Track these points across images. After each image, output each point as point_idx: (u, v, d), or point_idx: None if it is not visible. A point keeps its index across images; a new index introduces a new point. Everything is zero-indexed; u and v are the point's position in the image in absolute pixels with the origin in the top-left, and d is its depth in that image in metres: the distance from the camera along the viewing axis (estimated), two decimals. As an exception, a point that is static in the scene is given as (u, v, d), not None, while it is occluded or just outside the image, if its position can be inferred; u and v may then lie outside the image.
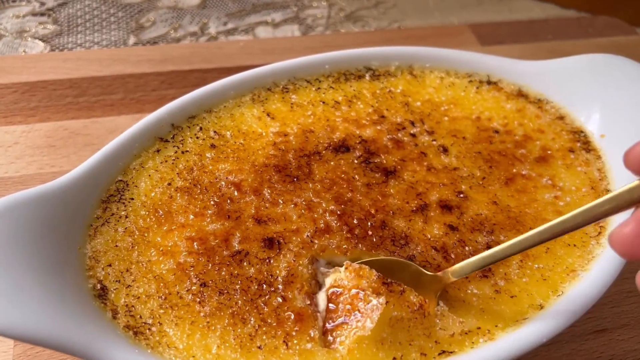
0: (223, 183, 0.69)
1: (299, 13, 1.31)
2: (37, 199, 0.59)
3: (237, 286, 0.60)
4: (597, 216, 0.51)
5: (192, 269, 0.61)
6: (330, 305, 0.60)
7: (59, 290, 0.55)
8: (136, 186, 0.68)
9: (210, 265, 0.62)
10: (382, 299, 0.58)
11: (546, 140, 0.78)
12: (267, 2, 1.32)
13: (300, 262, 0.63)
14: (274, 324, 0.58)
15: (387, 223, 0.67)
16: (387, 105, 0.82)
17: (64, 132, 0.93)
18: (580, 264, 0.64)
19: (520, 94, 0.84)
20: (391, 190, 0.70)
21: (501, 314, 0.60)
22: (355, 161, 0.73)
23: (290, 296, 0.60)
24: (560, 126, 0.80)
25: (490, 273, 0.63)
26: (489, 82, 0.85)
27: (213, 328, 0.57)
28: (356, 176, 0.72)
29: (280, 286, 0.61)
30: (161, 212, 0.66)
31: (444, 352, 0.57)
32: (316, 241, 0.65)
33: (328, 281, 0.62)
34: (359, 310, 0.58)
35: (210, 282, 0.61)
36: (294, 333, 0.57)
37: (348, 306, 0.59)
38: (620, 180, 0.72)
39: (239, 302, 0.59)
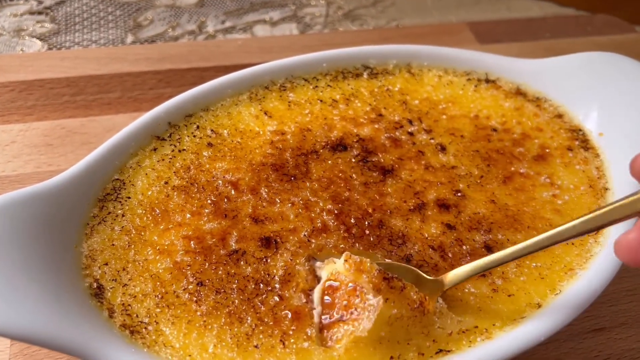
0: (220, 182, 0.69)
1: (297, 11, 1.31)
2: (33, 197, 0.59)
3: (234, 285, 0.60)
4: (599, 226, 0.51)
5: (188, 268, 0.61)
6: (326, 298, 0.59)
7: (55, 289, 0.55)
8: (133, 185, 0.68)
9: (207, 264, 0.62)
10: (379, 299, 0.57)
11: (544, 139, 0.78)
12: (265, 1, 1.32)
13: (297, 261, 0.62)
14: (271, 323, 0.58)
15: (384, 222, 0.67)
16: (385, 103, 0.81)
17: (61, 130, 0.93)
18: (578, 263, 0.64)
19: (519, 93, 0.84)
20: (389, 189, 0.70)
21: (499, 312, 0.60)
22: (353, 160, 0.73)
23: (287, 295, 0.60)
24: (558, 124, 0.80)
25: (487, 272, 0.63)
26: (487, 81, 0.85)
27: (210, 327, 0.57)
28: (353, 175, 0.71)
29: (277, 285, 0.60)
30: (158, 210, 0.66)
31: (441, 350, 0.57)
32: (313, 240, 0.64)
33: (324, 274, 0.61)
34: (356, 308, 0.58)
35: (207, 281, 0.60)
36: (290, 332, 0.57)
37: (345, 302, 0.58)
38: (619, 179, 0.71)
39: (236, 301, 0.59)
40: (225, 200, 0.67)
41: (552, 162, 0.75)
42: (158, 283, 0.60)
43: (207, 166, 0.71)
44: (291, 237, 0.64)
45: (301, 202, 0.68)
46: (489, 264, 0.58)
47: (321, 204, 0.68)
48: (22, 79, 1.00)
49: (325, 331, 0.58)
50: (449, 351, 0.57)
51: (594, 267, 0.62)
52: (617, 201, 0.51)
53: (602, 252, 0.63)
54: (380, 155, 0.74)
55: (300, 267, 0.62)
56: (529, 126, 0.79)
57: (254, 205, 0.67)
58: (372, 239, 0.65)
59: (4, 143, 0.90)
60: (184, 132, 0.74)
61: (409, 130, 0.78)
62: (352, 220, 0.66)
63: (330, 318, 0.59)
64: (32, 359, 0.66)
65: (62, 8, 1.24)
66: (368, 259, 0.59)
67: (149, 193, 0.68)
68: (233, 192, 0.68)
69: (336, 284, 0.60)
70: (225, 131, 0.75)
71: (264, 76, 0.81)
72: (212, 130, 0.75)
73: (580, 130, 0.79)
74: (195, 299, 0.59)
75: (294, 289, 0.60)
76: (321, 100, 0.80)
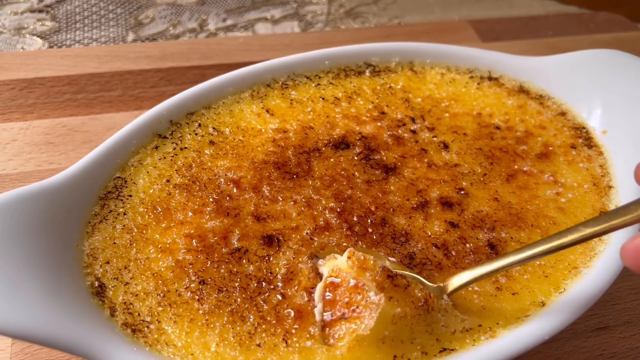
0: (222, 180, 0.69)
1: (299, 9, 1.30)
2: (35, 196, 0.59)
3: (236, 284, 0.60)
4: (605, 232, 0.51)
5: (190, 266, 0.61)
6: (327, 294, 0.58)
7: (57, 288, 0.55)
8: (134, 183, 0.68)
9: (209, 262, 0.61)
10: (381, 296, 0.56)
11: (548, 137, 0.78)
12: (266, -1, 1.32)
13: (300, 259, 0.62)
14: (274, 322, 0.57)
15: (387, 220, 0.66)
16: (388, 101, 0.81)
17: (62, 129, 0.92)
18: (582, 261, 0.63)
19: (522, 90, 0.83)
20: (391, 187, 0.70)
21: (502, 311, 0.59)
22: (355, 158, 0.73)
23: (289, 293, 0.59)
24: (561, 122, 0.79)
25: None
26: (490, 78, 0.85)
27: (212, 326, 0.57)
28: (356, 173, 0.71)
29: (279, 284, 0.60)
30: (159, 209, 0.66)
31: (445, 349, 0.56)
32: (316, 238, 0.64)
33: (326, 270, 0.61)
34: (358, 306, 0.57)
35: (209, 279, 0.60)
36: (293, 330, 0.57)
37: (346, 299, 0.57)
38: (623, 176, 0.71)
39: (238, 299, 0.59)
40: (227, 198, 0.67)
41: (556, 160, 0.75)
42: (160, 281, 0.60)
43: (209, 164, 0.71)
44: (293, 235, 0.64)
45: (303, 200, 0.67)
46: (492, 270, 0.57)
47: (323, 202, 0.67)
48: (22, 77, 0.99)
49: (327, 329, 0.58)
50: (452, 350, 0.56)
51: (598, 266, 0.62)
52: (623, 206, 0.51)
53: (607, 251, 0.63)
54: (383, 153, 0.74)
55: (302, 265, 0.62)
56: (532, 124, 0.79)
57: (256, 203, 0.67)
58: (375, 237, 0.65)
59: (5, 141, 0.90)
60: (186, 130, 0.74)
61: (412, 128, 0.77)
62: (355, 218, 0.66)
63: (332, 315, 0.58)
64: (33, 358, 0.66)
65: (62, 6, 1.24)
66: (371, 256, 0.59)
67: (151, 191, 0.67)
68: (235, 190, 0.68)
69: (338, 280, 0.59)
70: (227, 129, 0.75)
71: (265, 74, 0.81)
72: (214, 128, 0.75)
73: (583, 127, 0.78)
74: (197, 297, 0.59)
75: (297, 287, 0.60)
76: (323, 98, 0.80)
